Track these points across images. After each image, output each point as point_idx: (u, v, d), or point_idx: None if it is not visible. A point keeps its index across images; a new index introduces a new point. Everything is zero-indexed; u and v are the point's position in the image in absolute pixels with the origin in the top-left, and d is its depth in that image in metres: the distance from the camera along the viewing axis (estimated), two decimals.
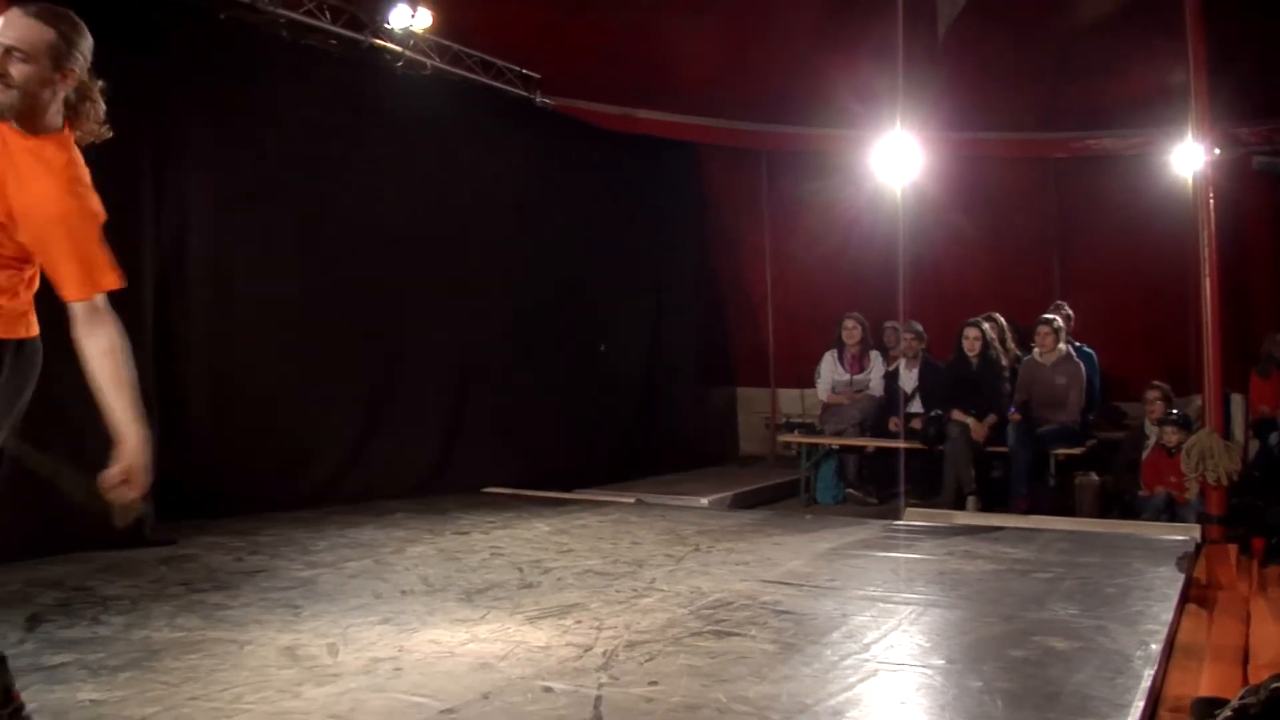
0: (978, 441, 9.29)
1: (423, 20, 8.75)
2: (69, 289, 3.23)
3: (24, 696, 3.44)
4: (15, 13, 3.16)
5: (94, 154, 6.93)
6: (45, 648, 4.49)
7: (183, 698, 3.87)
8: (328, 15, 8.43)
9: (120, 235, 7.31)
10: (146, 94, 7.33)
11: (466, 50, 9.63)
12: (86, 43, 3.26)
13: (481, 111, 9.92)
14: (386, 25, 8.67)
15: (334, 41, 8.65)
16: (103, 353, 3.25)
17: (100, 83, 3.39)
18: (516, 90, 10.26)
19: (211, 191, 7.86)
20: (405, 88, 9.07)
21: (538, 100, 10.47)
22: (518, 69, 10.22)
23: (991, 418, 9.32)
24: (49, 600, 5.35)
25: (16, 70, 3.09)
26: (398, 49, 8.93)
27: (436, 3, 8.71)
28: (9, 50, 3.09)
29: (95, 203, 3.25)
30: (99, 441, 3.36)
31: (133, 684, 4.02)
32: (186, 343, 7.72)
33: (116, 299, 6.73)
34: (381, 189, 8.81)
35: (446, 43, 9.37)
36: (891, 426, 10.10)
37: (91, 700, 3.84)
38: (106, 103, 3.45)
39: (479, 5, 8.99)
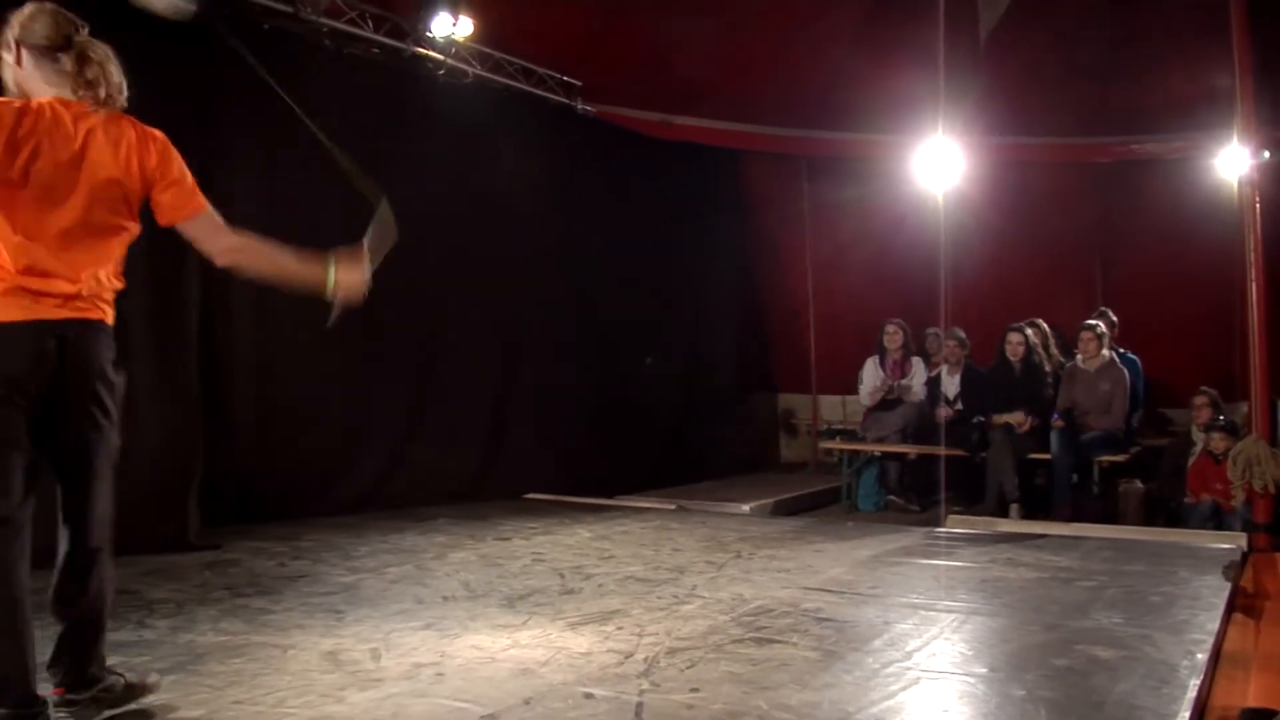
0: (1021, 447, 9.23)
1: (464, 28, 8.76)
2: None
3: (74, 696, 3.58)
4: None
5: None
6: None
7: (227, 701, 3.91)
8: (370, 24, 8.48)
9: (166, 243, 7.43)
10: (192, 103, 7.43)
11: (508, 58, 9.66)
12: (25, 15, 3.54)
13: (522, 118, 9.96)
14: (428, 34, 8.69)
15: (376, 50, 8.69)
16: None
17: (99, 50, 3.62)
18: (557, 97, 10.28)
19: (256, 199, 7.92)
20: (447, 95, 9.12)
21: (578, 107, 10.49)
22: (558, 76, 10.24)
23: (1034, 419, 9.28)
24: None
25: None
26: (439, 57, 8.96)
27: (478, 11, 8.73)
28: None
29: None
30: None
31: (177, 687, 4.05)
32: (230, 348, 7.81)
33: (161, 305, 6.85)
34: (423, 196, 8.84)
35: (488, 50, 9.40)
36: (939, 417, 10.08)
37: (137, 703, 3.87)
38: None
39: (520, 14, 9.01)
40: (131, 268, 7.02)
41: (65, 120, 3.47)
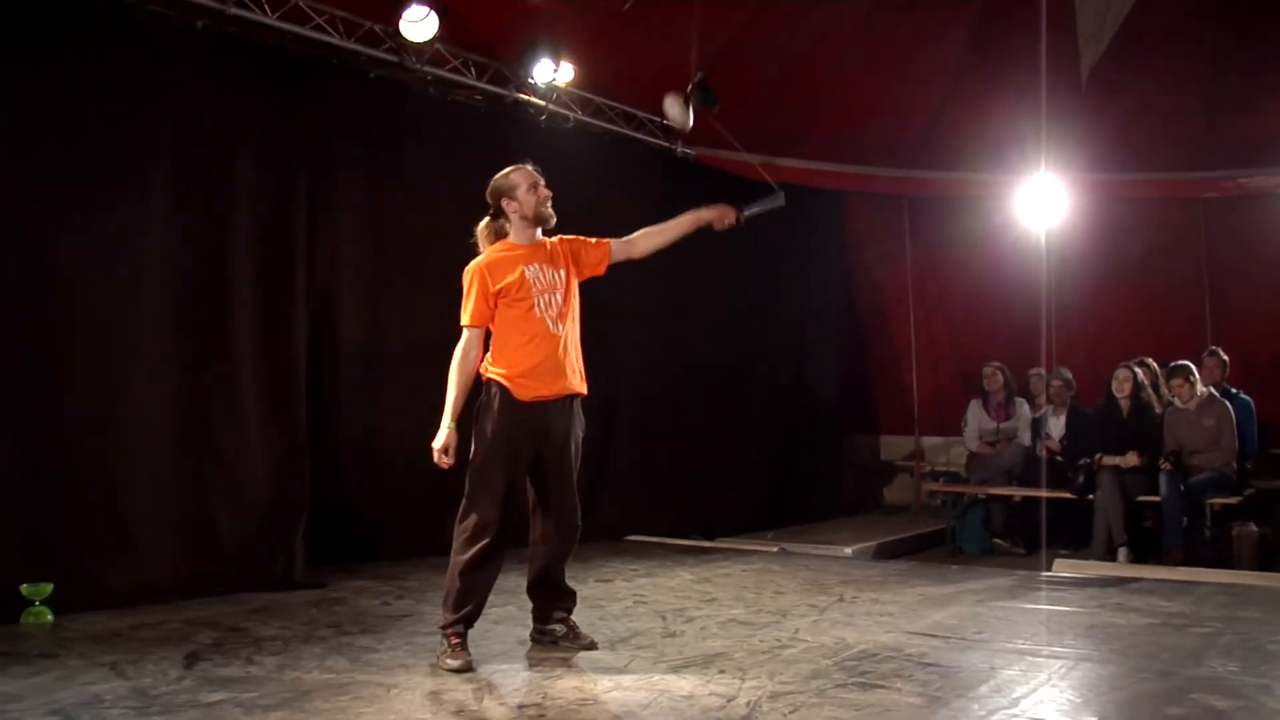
0: (1130, 489, 9.04)
1: (565, 75, 8.90)
2: None
3: None
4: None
5: (253, 209, 7.20)
6: (202, 685, 4.64)
7: None
8: (473, 71, 8.64)
9: (275, 286, 7.65)
10: (302, 151, 7.63)
11: (608, 103, 9.76)
12: None
13: (623, 162, 10.04)
14: (530, 80, 8.83)
15: (479, 97, 8.85)
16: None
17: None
18: (657, 141, 10.36)
19: (362, 243, 8.10)
20: (548, 140, 9.22)
21: (678, 150, 10.56)
22: (658, 120, 10.31)
23: (1145, 457, 9.09)
24: (206, 640, 5.53)
25: None
26: (541, 103, 9.09)
27: (579, 57, 8.85)
28: None
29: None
30: None
31: None
32: (337, 390, 7.94)
33: (269, 349, 7.11)
34: None
35: (589, 96, 9.51)
36: (1041, 450, 9.92)
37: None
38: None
39: (620, 59, 9.11)
40: (241, 312, 7.29)
41: None
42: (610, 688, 4.64)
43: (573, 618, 5.52)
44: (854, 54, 9.61)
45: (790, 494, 11.54)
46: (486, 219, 5.40)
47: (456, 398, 5.17)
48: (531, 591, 5.51)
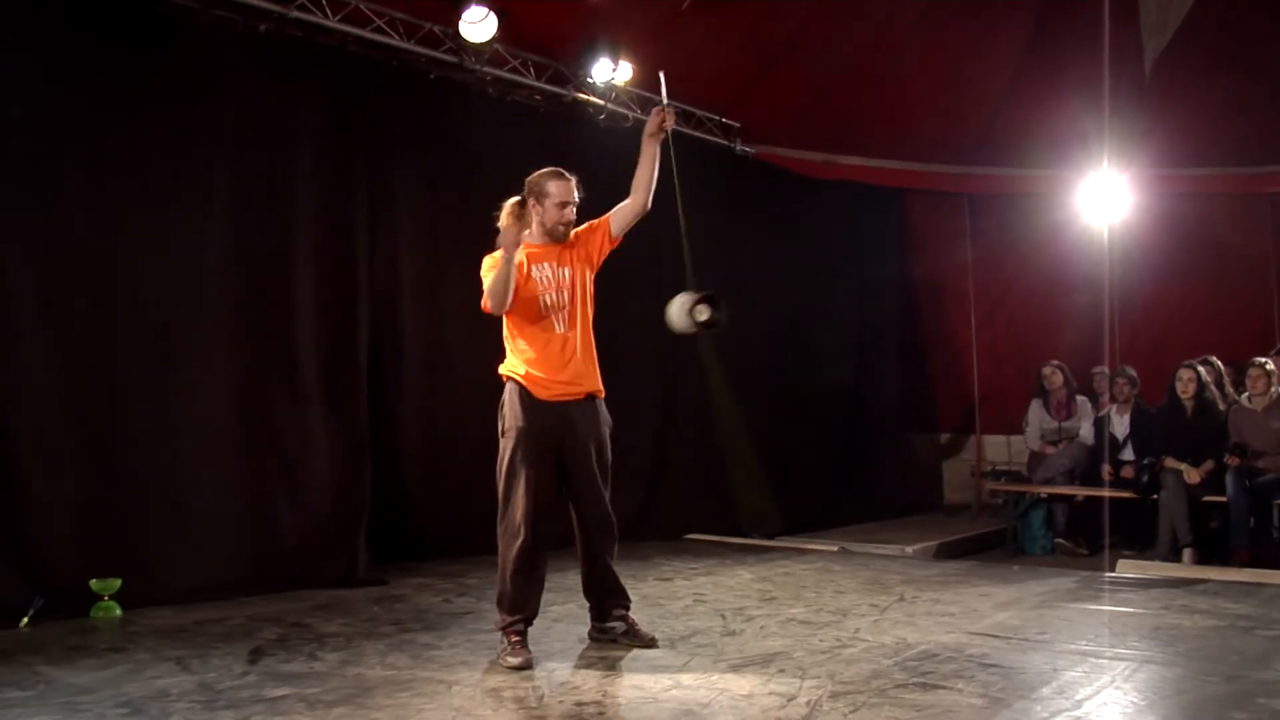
0: (1194, 489, 8.92)
1: (624, 74, 8.91)
2: None
3: None
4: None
5: (315, 210, 7.27)
6: (266, 680, 4.71)
7: None
8: (532, 71, 8.68)
9: (336, 285, 7.72)
10: (362, 152, 7.70)
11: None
12: None
13: (681, 160, 10.01)
14: (589, 80, 8.86)
15: (538, 97, 8.90)
16: None
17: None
18: (716, 139, 10.35)
19: (422, 243, 8.16)
20: (607, 139, 9.23)
21: (737, 148, 10.55)
22: (717, 118, 10.32)
23: (1209, 464, 8.94)
24: (270, 635, 5.61)
25: None
26: (600, 102, 9.13)
27: (637, 56, 8.86)
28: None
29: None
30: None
31: (346, 719, 4.16)
32: (398, 389, 8.01)
33: (331, 348, 7.15)
34: None
35: (648, 94, 9.52)
36: (1104, 476, 9.78)
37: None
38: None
39: (679, 58, 9.10)
40: (303, 312, 7.38)
41: None
42: (670, 686, 4.65)
43: (631, 615, 5.54)
44: (913, 51, 9.54)
45: (850, 493, 11.49)
46: (516, 200, 5.48)
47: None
48: (585, 592, 5.58)
